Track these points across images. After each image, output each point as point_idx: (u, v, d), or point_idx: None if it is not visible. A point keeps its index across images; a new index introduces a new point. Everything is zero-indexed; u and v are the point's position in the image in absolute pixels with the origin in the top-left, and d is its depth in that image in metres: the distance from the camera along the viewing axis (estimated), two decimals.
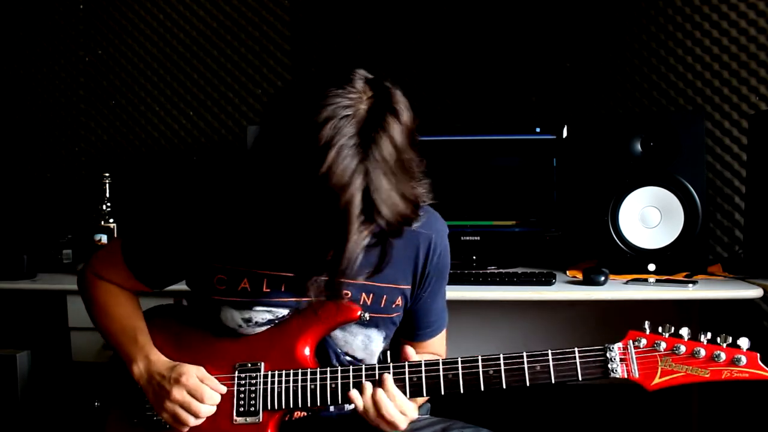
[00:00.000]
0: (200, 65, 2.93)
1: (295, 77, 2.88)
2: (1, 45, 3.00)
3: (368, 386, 1.35)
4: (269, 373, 1.41)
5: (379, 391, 1.34)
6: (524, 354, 1.34)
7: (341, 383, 1.38)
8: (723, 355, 1.25)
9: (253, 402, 1.40)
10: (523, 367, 1.33)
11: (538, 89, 2.73)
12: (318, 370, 1.39)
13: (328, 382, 1.38)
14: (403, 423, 1.35)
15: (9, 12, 2.98)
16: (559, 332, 2.46)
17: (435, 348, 1.59)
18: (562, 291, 2.11)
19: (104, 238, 2.50)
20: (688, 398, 2.56)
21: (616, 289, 2.11)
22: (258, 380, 1.41)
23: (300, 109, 1.18)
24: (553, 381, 1.32)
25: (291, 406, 1.39)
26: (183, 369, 1.39)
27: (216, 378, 1.41)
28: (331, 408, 1.48)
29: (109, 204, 2.55)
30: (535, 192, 2.48)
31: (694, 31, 2.59)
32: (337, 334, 1.46)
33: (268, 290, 1.41)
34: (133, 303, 1.54)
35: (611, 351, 1.31)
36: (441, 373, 1.35)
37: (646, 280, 2.17)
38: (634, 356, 1.30)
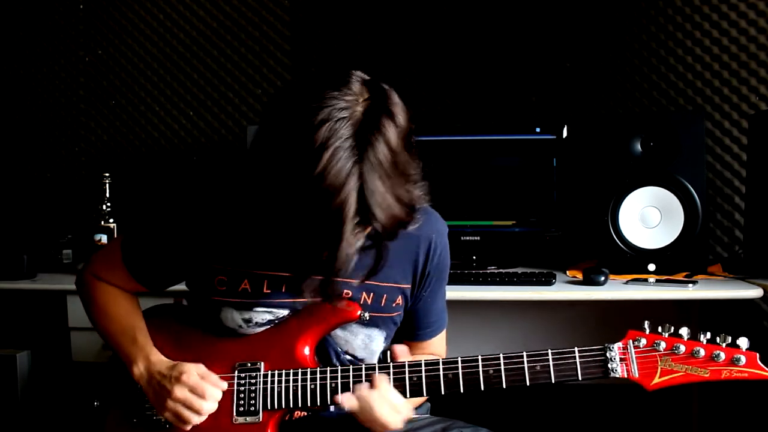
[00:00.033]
0: (200, 65, 2.93)
1: (293, 78, 2.88)
2: (1, 45, 3.00)
3: (359, 387, 1.35)
4: (269, 372, 1.41)
5: (372, 391, 1.34)
6: (524, 354, 1.34)
7: (341, 383, 1.38)
8: (722, 355, 1.25)
9: (253, 402, 1.40)
10: (523, 367, 1.34)
11: (538, 89, 2.73)
12: (318, 369, 1.39)
13: (328, 381, 1.38)
14: (397, 423, 1.35)
15: (9, 12, 2.99)
16: (559, 332, 2.46)
17: (435, 348, 1.59)
18: (562, 291, 2.11)
19: (104, 238, 2.50)
20: (688, 398, 2.56)
21: (616, 289, 2.11)
22: (258, 380, 1.41)
23: (297, 111, 1.18)
24: (553, 381, 1.32)
25: (291, 405, 1.39)
26: (183, 367, 1.39)
27: None
28: (331, 408, 1.48)
29: (109, 204, 2.55)
30: (535, 192, 2.48)
31: (694, 31, 2.59)
32: (338, 333, 1.46)
33: (269, 291, 1.41)
34: (132, 303, 1.54)
35: (611, 351, 1.31)
36: (441, 372, 1.36)
37: (646, 280, 2.17)
38: (633, 356, 1.30)
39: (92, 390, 1.57)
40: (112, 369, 1.53)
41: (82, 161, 2.99)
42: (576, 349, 1.32)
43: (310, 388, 1.38)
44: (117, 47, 2.97)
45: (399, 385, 1.36)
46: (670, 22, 2.61)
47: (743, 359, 1.24)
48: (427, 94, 2.78)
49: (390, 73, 2.72)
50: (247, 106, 2.91)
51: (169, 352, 1.45)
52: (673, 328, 1.30)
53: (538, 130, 2.46)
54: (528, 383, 1.33)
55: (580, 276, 2.24)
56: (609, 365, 1.30)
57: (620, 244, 2.34)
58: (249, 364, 1.42)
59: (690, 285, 2.07)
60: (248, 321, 1.42)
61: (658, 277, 2.19)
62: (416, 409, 1.61)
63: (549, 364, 1.32)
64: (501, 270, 2.39)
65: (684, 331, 1.29)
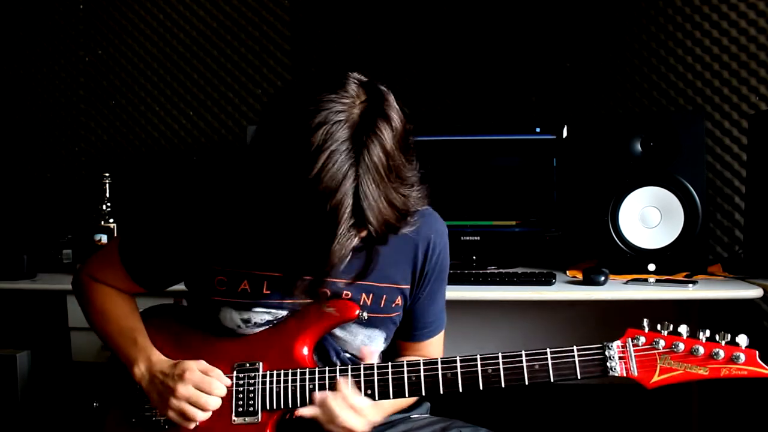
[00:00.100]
0: (200, 65, 2.93)
1: (291, 80, 2.88)
2: (1, 45, 3.00)
3: (319, 395, 1.35)
4: (268, 372, 1.41)
5: (334, 396, 1.34)
6: (523, 353, 1.34)
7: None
8: (721, 353, 1.25)
9: (251, 402, 1.40)
10: (522, 366, 1.33)
11: (538, 89, 2.73)
12: (316, 369, 1.39)
13: (327, 381, 1.38)
14: (361, 426, 1.34)
15: (9, 12, 2.99)
16: (559, 332, 2.46)
17: (431, 350, 1.58)
18: (562, 291, 2.11)
19: (104, 238, 2.50)
20: (688, 398, 2.56)
21: (616, 289, 2.11)
22: (257, 380, 1.41)
23: (294, 114, 1.18)
24: (552, 380, 1.32)
25: (290, 405, 1.39)
26: (185, 365, 1.39)
27: None
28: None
29: (109, 204, 2.55)
30: (535, 192, 2.48)
31: (694, 31, 2.59)
32: (338, 333, 1.46)
33: (268, 292, 1.41)
34: (130, 304, 1.54)
35: (610, 349, 1.31)
36: (440, 372, 1.35)
37: (646, 280, 2.17)
38: (632, 354, 1.30)
39: (92, 390, 1.57)
40: (111, 369, 1.53)
41: (82, 161, 2.99)
42: (575, 347, 1.32)
43: (309, 388, 1.38)
44: (117, 47, 2.97)
45: (397, 384, 1.36)
46: (670, 22, 2.61)
47: (742, 357, 1.24)
48: (427, 94, 2.78)
49: (390, 73, 2.76)
50: (247, 106, 2.91)
51: (168, 352, 1.45)
52: (672, 326, 1.30)
53: (538, 130, 2.46)
54: (527, 382, 1.33)
55: (580, 276, 2.24)
56: (608, 364, 1.30)
57: (620, 244, 2.34)
58: (248, 365, 1.42)
59: (690, 285, 2.07)
60: (247, 321, 1.42)
61: (658, 277, 2.19)
62: (416, 408, 1.61)
63: (548, 363, 1.32)
64: (501, 270, 2.39)
65: (683, 329, 1.29)
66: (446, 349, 1.62)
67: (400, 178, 1.23)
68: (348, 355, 1.48)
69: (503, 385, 1.33)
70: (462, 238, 2.49)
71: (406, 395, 1.36)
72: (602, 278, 2.13)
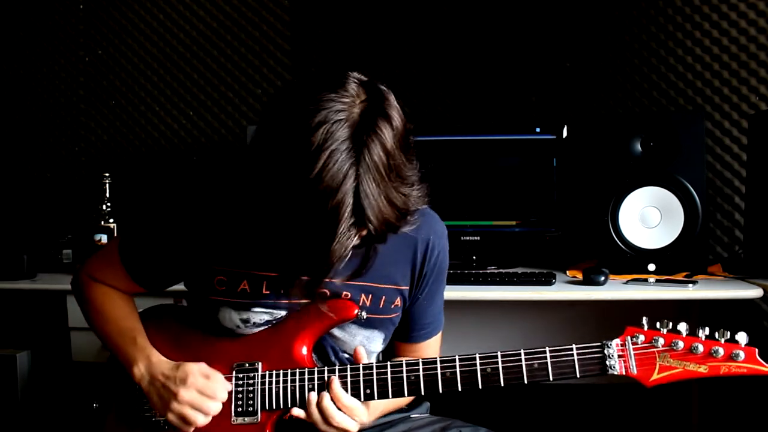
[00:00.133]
0: (200, 65, 2.93)
1: (291, 80, 2.88)
2: (1, 45, 3.00)
3: (313, 396, 1.35)
4: (267, 372, 1.40)
5: (326, 397, 1.34)
6: (522, 351, 1.33)
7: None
8: (721, 351, 1.25)
9: (251, 402, 1.40)
10: (521, 365, 1.33)
11: (538, 89, 2.73)
12: (316, 369, 1.39)
13: (326, 381, 1.37)
14: (353, 427, 1.35)
15: (9, 12, 2.99)
16: (559, 332, 2.45)
17: (428, 351, 1.58)
18: (562, 291, 2.11)
19: (104, 238, 2.50)
20: (688, 397, 2.55)
21: (616, 289, 2.11)
22: (256, 380, 1.41)
23: (294, 113, 1.18)
24: (551, 378, 1.31)
25: (289, 405, 1.39)
26: (187, 369, 1.38)
27: None
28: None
29: (109, 204, 2.55)
30: (535, 192, 2.48)
31: (694, 31, 2.59)
32: (337, 334, 1.46)
33: (268, 292, 1.41)
34: (129, 304, 1.54)
35: (609, 348, 1.31)
36: (439, 371, 1.35)
37: (646, 280, 2.17)
38: (632, 352, 1.30)
39: (92, 390, 1.57)
40: (110, 370, 1.53)
41: (82, 161, 2.99)
42: (574, 346, 1.32)
43: (308, 388, 1.38)
44: (117, 47, 2.97)
45: (396, 384, 1.36)
46: (670, 22, 2.61)
47: (742, 355, 1.24)
48: (427, 94, 2.78)
49: (390, 73, 2.76)
50: (247, 106, 2.91)
51: (167, 352, 1.45)
52: (671, 324, 1.29)
53: (538, 130, 2.46)
54: (526, 381, 1.32)
55: (580, 276, 2.24)
56: (607, 362, 1.30)
57: (620, 244, 2.34)
58: (247, 365, 1.42)
59: (690, 285, 2.07)
60: (246, 321, 1.42)
61: (658, 277, 2.19)
62: (415, 408, 1.61)
63: (547, 362, 1.32)
64: (501, 270, 2.39)
65: (682, 327, 1.28)
66: (446, 349, 1.61)
67: (401, 177, 1.23)
68: (346, 356, 1.48)
69: (502, 384, 1.33)
70: (462, 238, 2.49)
71: (405, 394, 1.36)
72: (602, 278, 2.13)
